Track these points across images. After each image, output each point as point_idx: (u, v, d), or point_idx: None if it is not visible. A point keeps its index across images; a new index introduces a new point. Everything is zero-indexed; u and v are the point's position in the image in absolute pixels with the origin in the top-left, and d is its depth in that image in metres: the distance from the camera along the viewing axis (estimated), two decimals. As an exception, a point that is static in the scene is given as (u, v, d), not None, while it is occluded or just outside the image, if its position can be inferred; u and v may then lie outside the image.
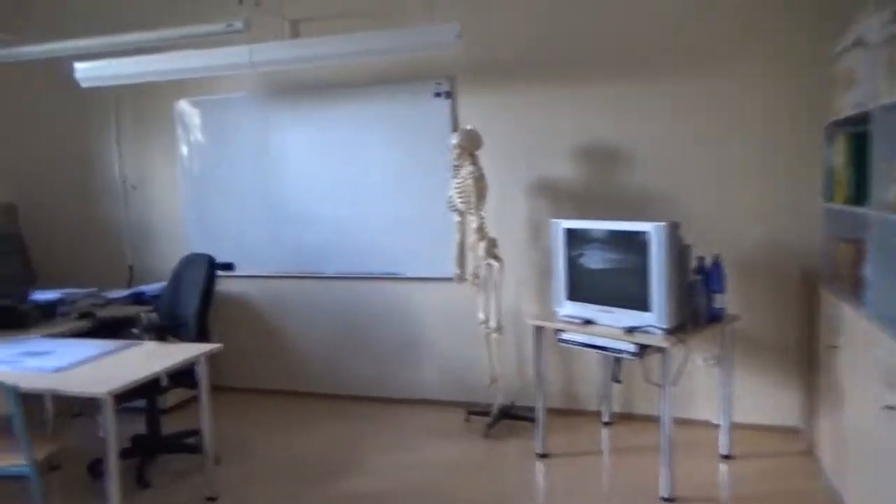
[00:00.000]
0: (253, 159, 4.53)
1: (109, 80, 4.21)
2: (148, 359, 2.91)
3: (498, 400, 3.92)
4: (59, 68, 4.48)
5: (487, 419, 3.91)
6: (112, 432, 2.52)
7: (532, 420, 3.74)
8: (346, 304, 4.44)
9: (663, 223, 2.97)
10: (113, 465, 2.54)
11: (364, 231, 4.32)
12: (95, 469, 3.39)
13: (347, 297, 4.43)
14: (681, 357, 3.17)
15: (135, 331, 3.50)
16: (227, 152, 4.60)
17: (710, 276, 3.17)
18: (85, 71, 4.18)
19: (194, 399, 4.34)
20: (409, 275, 4.25)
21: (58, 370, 2.76)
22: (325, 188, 4.38)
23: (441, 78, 4.06)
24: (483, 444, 3.72)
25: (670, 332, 2.96)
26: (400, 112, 4.18)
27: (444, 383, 4.29)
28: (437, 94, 4.09)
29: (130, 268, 4.90)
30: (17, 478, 2.55)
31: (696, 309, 3.14)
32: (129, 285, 4.68)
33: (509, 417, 3.91)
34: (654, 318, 3.00)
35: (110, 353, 3.01)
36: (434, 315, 4.26)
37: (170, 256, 4.76)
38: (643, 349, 3.02)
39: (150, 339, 3.31)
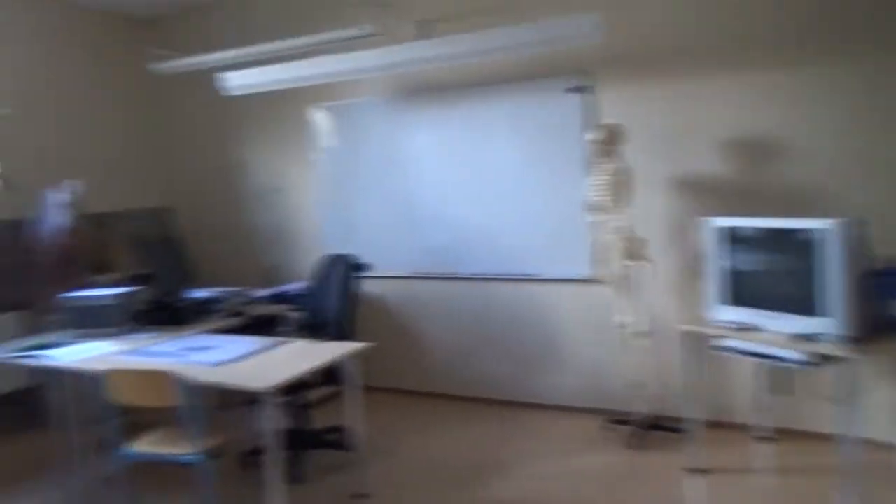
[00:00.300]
0: (385, 161, 4.60)
1: (252, 88, 4.41)
2: (300, 356, 2.98)
3: (639, 408, 3.73)
4: (209, 80, 4.77)
5: (628, 428, 3.73)
6: (273, 426, 2.59)
7: (677, 431, 3.52)
8: (480, 305, 4.40)
9: (841, 219, 2.69)
10: (274, 458, 2.61)
11: (498, 231, 4.26)
12: (247, 460, 3.54)
13: (482, 299, 4.39)
14: (861, 369, 2.86)
15: (284, 329, 3.63)
16: (359, 155, 4.70)
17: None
18: (231, 80, 4.41)
19: (333, 396, 4.47)
20: (545, 276, 4.15)
21: (220, 364, 2.89)
22: (459, 188, 4.37)
23: (575, 72, 3.93)
24: (626, 454, 3.54)
25: (849, 340, 2.68)
26: (532, 109, 4.10)
27: (581, 389, 4.15)
28: (571, 90, 3.96)
29: (271, 268, 5.12)
30: (183, 465, 2.69)
31: (879, 315, 2.82)
32: (270, 285, 4.87)
33: (653, 428, 3.71)
34: (829, 325, 2.72)
35: (265, 349, 3.12)
36: (571, 318, 4.12)
37: (308, 257, 4.94)
38: (816, 359, 2.75)
39: (299, 337, 3.41)
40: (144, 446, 2.74)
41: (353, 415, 3.19)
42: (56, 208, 4.07)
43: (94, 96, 4.97)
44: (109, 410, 2.71)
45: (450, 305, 4.51)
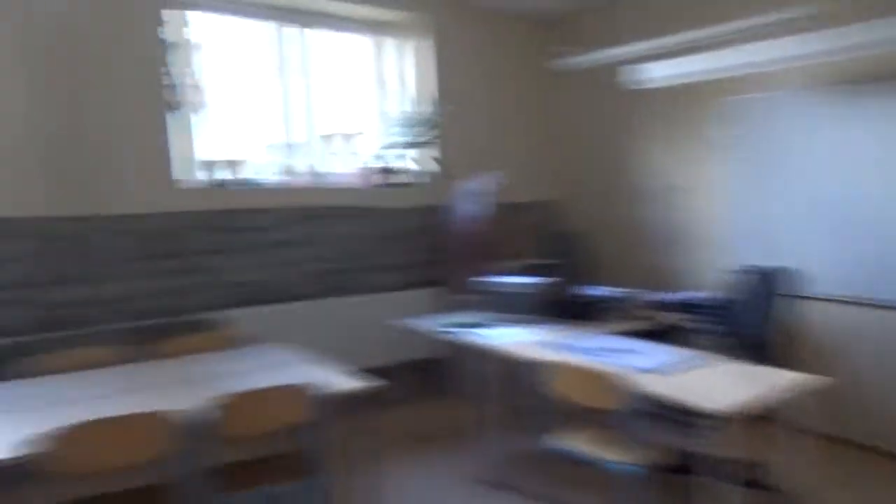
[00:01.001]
0: (813, 162, 3.97)
1: (672, 79, 4.18)
2: (743, 379, 2.66)
3: None
4: (606, 75, 4.68)
5: None
6: (718, 452, 2.34)
7: None
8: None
9: None
10: (719, 486, 2.36)
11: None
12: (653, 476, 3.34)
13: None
14: None
15: (695, 342, 3.35)
16: (782, 154, 4.13)
17: None
18: (647, 72, 4.25)
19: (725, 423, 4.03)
20: None
21: (647, 372, 2.72)
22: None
23: None
24: None
25: None
26: None
27: None
28: None
29: (666, 272, 4.87)
30: (608, 471, 2.59)
31: None
32: (663, 289, 4.61)
33: None
34: None
35: (693, 363, 2.87)
36: None
37: (708, 264, 4.56)
38: None
39: (709, 352, 3.08)
40: (575, 443, 2.72)
41: (779, 453, 2.77)
42: (474, 197, 4.40)
43: (506, 95, 5.31)
44: (543, 400, 2.75)
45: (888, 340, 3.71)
